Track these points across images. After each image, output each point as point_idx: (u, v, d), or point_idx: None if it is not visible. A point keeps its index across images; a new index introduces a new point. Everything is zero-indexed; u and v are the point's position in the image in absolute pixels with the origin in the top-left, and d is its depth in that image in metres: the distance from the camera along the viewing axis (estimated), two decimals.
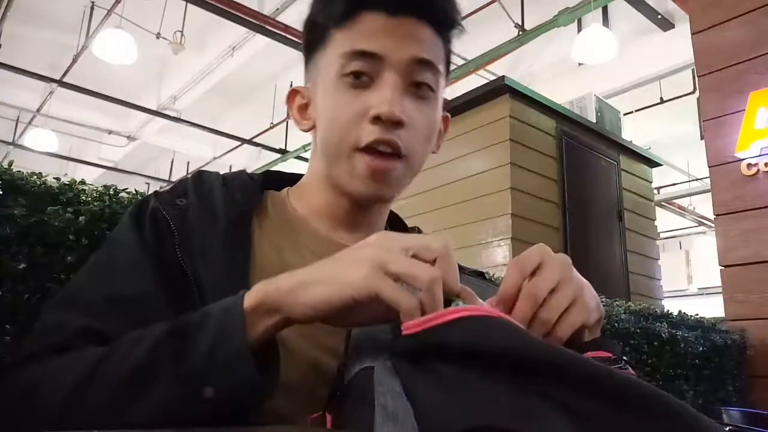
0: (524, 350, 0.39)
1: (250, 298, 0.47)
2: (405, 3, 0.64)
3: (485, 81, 4.28)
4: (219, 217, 0.62)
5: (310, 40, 0.69)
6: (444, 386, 0.40)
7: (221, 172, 0.71)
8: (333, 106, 0.64)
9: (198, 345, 0.45)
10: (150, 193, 0.71)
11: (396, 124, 0.62)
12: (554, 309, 0.49)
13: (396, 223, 0.79)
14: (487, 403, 0.37)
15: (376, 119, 0.61)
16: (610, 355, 0.49)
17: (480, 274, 0.79)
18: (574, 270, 0.52)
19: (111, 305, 0.54)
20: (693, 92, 5.65)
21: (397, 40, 0.63)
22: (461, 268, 0.72)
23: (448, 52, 0.70)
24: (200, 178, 0.68)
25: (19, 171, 0.78)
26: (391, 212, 0.79)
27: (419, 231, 0.80)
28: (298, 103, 0.72)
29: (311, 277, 0.47)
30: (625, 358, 0.49)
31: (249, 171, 0.75)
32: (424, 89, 0.65)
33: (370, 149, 0.62)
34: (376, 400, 0.42)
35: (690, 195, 8.51)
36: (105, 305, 0.54)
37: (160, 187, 0.72)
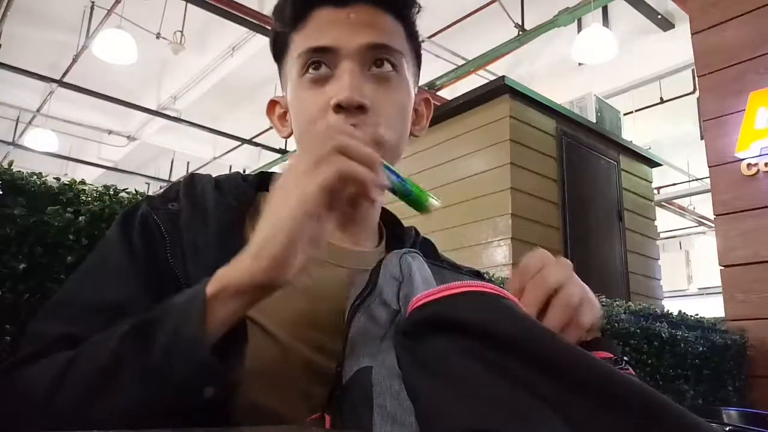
0: (528, 335, 0.39)
1: (213, 284, 0.46)
2: None
3: (485, 81, 4.28)
4: (211, 221, 0.62)
5: (276, 50, 0.70)
6: (446, 383, 0.40)
7: (214, 175, 0.71)
8: (300, 105, 0.65)
9: (158, 338, 0.45)
10: (142, 198, 0.71)
11: (358, 108, 0.61)
12: (571, 298, 0.50)
13: (391, 223, 0.79)
14: (489, 404, 0.37)
15: (338, 107, 0.61)
16: (611, 355, 0.49)
17: (477, 274, 0.79)
18: (575, 274, 0.52)
19: (94, 311, 0.54)
20: (693, 92, 5.65)
21: (350, 29, 0.63)
22: (458, 267, 0.72)
23: (411, 32, 0.69)
24: (192, 181, 0.68)
25: (19, 171, 0.78)
26: (387, 211, 0.78)
27: (416, 231, 0.79)
28: (278, 112, 0.73)
29: (262, 240, 0.47)
30: (626, 358, 0.49)
31: (249, 171, 0.75)
32: (386, 72, 0.64)
33: None
34: (375, 400, 0.42)
35: (690, 195, 8.50)
36: (88, 311, 0.54)
37: (160, 187, 0.71)
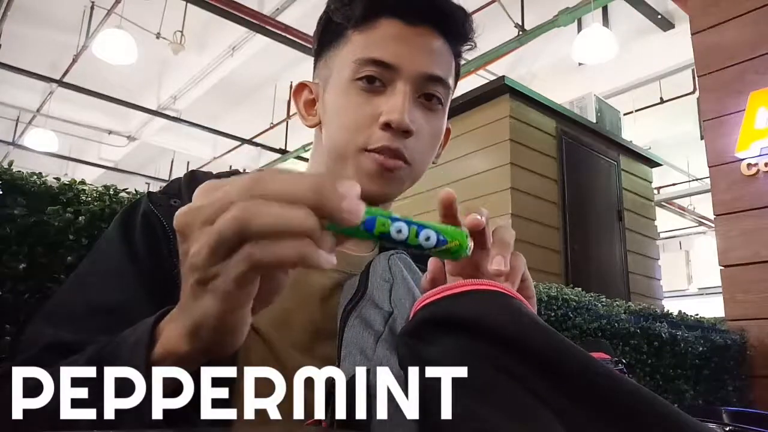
0: (534, 335, 0.39)
1: (158, 347, 0.40)
2: (424, 14, 0.64)
3: (485, 81, 4.28)
4: None
5: (325, 37, 0.69)
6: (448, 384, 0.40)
7: (214, 172, 0.71)
8: (343, 107, 0.64)
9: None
10: (141, 195, 0.70)
11: (404, 132, 0.62)
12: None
13: None
14: (492, 406, 0.37)
15: (386, 126, 0.61)
16: (608, 356, 0.49)
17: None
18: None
19: (89, 315, 0.53)
20: (693, 92, 5.64)
21: (412, 50, 0.63)
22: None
23: (457, 66, 0.70)
24: (194, 178, 0.67)
25: (19, 171, 0.78)
26: None
27: None
28: (306, 97, 0.72)
29: (194, 321, 0.38)
30: (624, 360, 0.49)
31: (249, 171, 0.74)
32: (434, 102, 0.65)
33: (376, 152, 0.63)
34: (371, 404, 0.42)
35: (690, 195, 8.50)
36: (82, 316, 0.53)
37: (160, 187, 0.71)
